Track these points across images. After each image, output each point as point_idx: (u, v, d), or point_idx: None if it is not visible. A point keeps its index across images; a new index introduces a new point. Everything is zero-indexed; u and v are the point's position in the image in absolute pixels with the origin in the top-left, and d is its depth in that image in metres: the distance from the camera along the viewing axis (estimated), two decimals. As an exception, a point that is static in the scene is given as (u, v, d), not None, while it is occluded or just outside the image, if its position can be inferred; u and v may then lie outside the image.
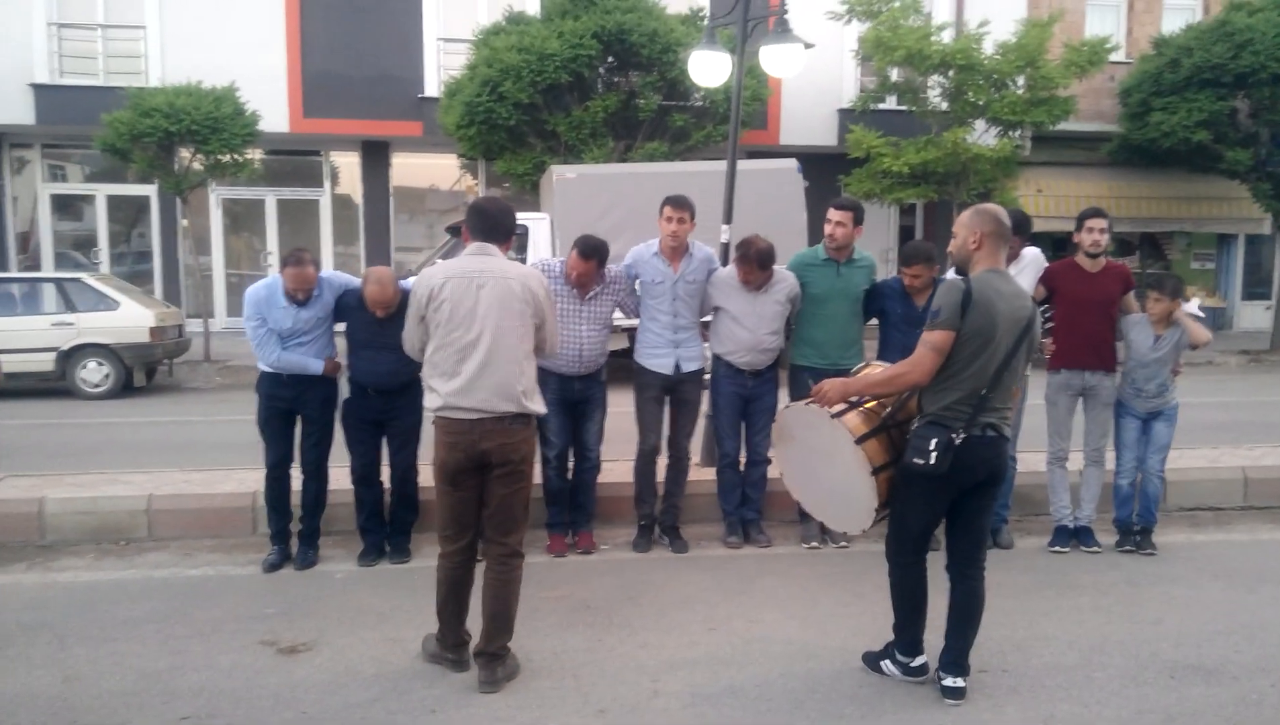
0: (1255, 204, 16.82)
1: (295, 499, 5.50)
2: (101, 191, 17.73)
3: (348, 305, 5.41)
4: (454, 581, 4.00)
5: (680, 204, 5.51)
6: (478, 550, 4.04)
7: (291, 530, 5.49)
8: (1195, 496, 6.60)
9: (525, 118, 14.18)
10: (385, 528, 5.53)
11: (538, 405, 3.98)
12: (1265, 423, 9.67)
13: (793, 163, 13.02)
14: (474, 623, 4.00)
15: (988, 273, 3.71)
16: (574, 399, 5.55)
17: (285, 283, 5.25)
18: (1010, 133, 15.50)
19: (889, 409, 3.90)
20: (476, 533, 4.01)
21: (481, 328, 3.80)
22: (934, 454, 3.59)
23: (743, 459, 5.89)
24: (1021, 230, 5.65)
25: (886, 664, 4.00)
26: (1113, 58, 16.08)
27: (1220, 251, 20.66)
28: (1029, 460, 6.16)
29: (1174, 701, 3.81)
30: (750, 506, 5.89)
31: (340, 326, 5.49)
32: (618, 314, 5.70)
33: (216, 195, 17.55)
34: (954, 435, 3.61)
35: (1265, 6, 15.43)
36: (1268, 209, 16.54)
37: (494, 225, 3.99)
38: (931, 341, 3.63)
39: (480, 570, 4.03)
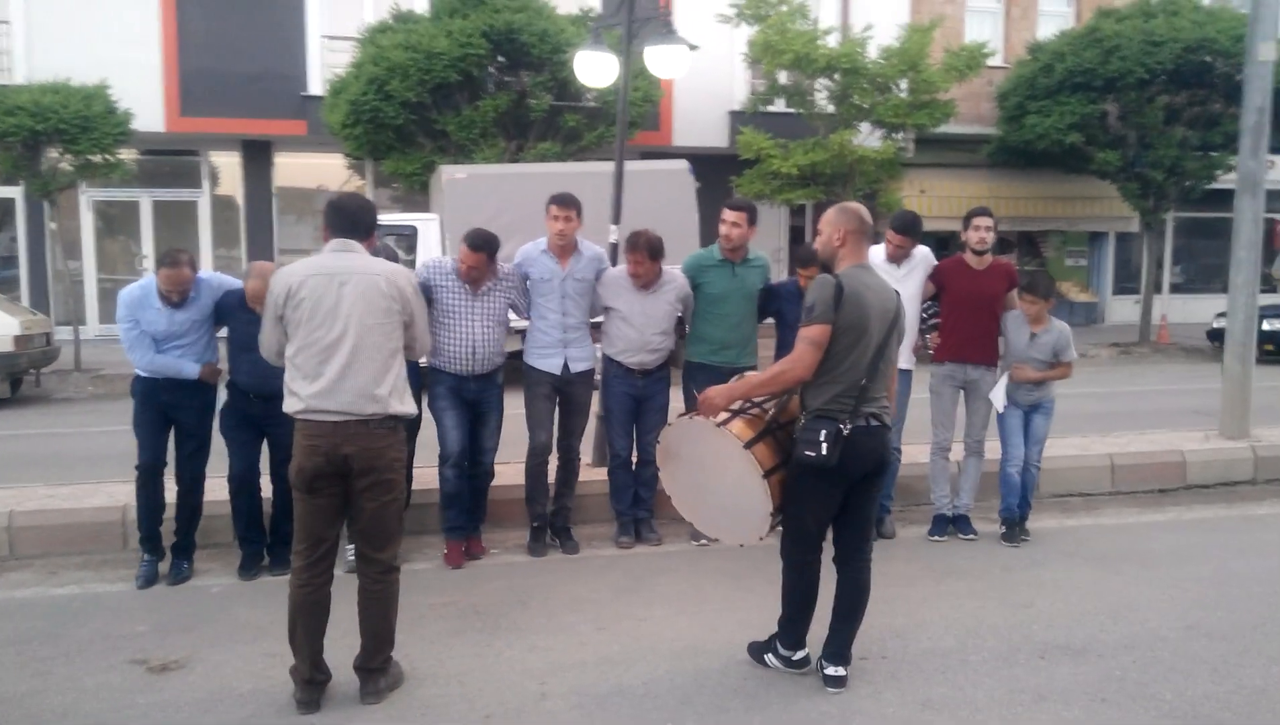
0: (1124, 203, 17.66)
1: (168, 509, 5.28)
2: (-37, 193, 16.81)
3: (229, 306, 5.22)
4: (304, 604, 3.72)
5: (566, 202, 5.45)
6: (332, 573, 3.82)
7: (165, 547, 5.26)
8: (1066, 483, 6.88)
9: (413, 117, 13.98)
10: (265, 537, 5.34)
11: (406, 406, 3.82)
12: (1132, 412, 10.14)
13: (684, 164, 13.12)
14: (345, 642, 3.90)
15: (854, 268, 3.80)
16: (469, 399, 5.43)
17: (159, 284, 5.06)
18: (894, 135, 15.91)
19: (772, 412, 3.95)
20: (331, 550, 3.80)
21: (345, 327, 3.64)
22: (824, 445, 3.64)
23: (634, 458, 5.88)
24: (913, 231, 5.80)
25: (770, 657, 4.05)
26: (990, 63, 16.65)
27: (1092, 249, 21.64)
28: (910, 453, 6.33)
29: (1044, 681, 3.95)
30: (642, 506, 5.90)
31: (223, 332, 5.30)
32: (513, 316, 5.63)
33: (87, 197, 16.81)
34: (841, 426, 3.67)
35: (1131, 14, 16.21)
36: (1136, 208, 17.39)
37: (353, 221, 3.81)
38: (809, 336, 3.69)
39: (349, 587, 3.88)
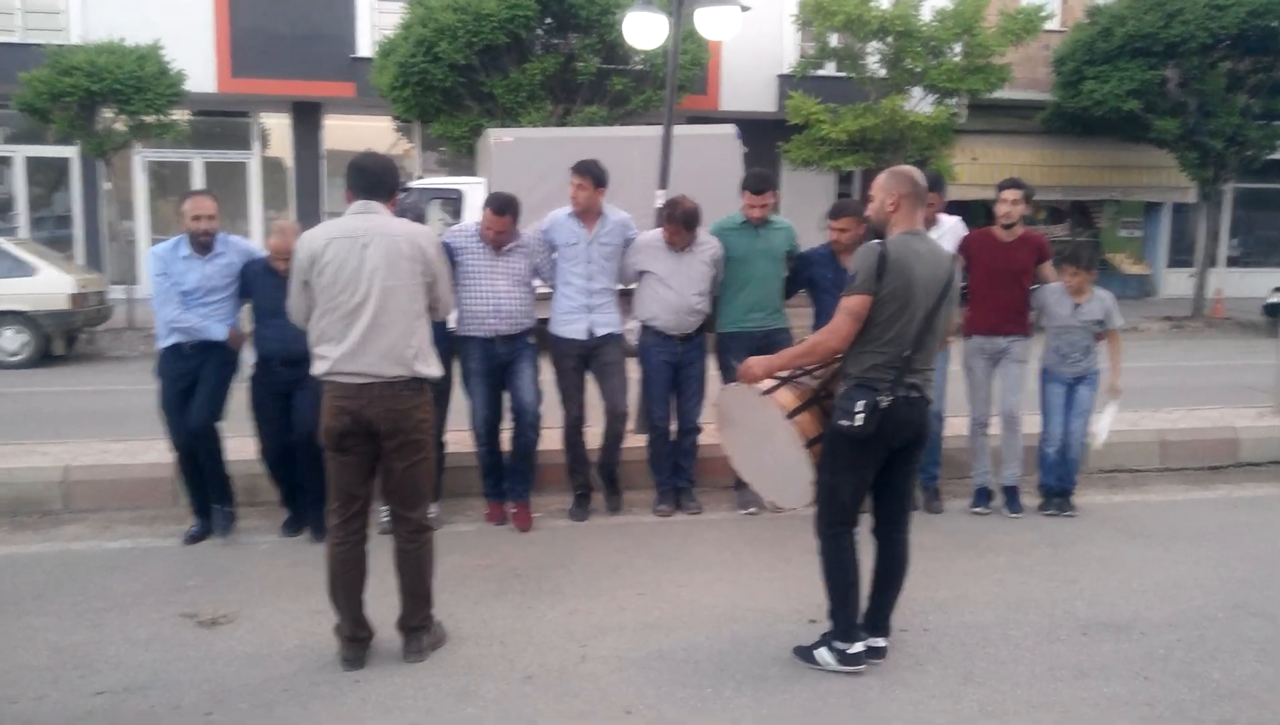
0: (1182, 173, 17.19)
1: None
2: (20, 153, 17.14)
3: (254, 273, 5.28)
4: (341, 561, 3.79)
5: (582, 171, 5.47)
6: (366, 532, 3.87)
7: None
8: (1114, 459, 6.75)
9: (461, 79, 13.96)
10: (308, 495, 5.39)
11: (432, 368, 3.83)
12: (1184, 387, 9.94)
13: (732, 129, 12.96)
14: (387, 601, 3.95)
15: (904, 235, 3.71)
16: (500, 363, 5.46)
17: (187, 217, 5.11)
18: (946, 100, 15.61)
19: (819, 381, 3.92)
20: (365, 509, 3.84)
21: (368, 289, 3.63)
22: (860, 416, 3.58)
23: (673, 427, 5.87)
24: (939, 187, 5.73)
25: (822, 652, 3.81)
26: (1047, 26, 16.24)
27: (1147, 220, 21.13)
28: (953, 424, 6.25)
29: (1086, 658, 3.92)
30: (681, 475, 5.89)
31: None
32: (536, 282, 5.64)
33: (141, 157, 17.05)
34: (880, 398, 3.61)
35: (1195, -24, 15.69)
36: (1194, 177, 16.92)
37: (376, 182, 3.79)
38: (848, 307, 3.64)
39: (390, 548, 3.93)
